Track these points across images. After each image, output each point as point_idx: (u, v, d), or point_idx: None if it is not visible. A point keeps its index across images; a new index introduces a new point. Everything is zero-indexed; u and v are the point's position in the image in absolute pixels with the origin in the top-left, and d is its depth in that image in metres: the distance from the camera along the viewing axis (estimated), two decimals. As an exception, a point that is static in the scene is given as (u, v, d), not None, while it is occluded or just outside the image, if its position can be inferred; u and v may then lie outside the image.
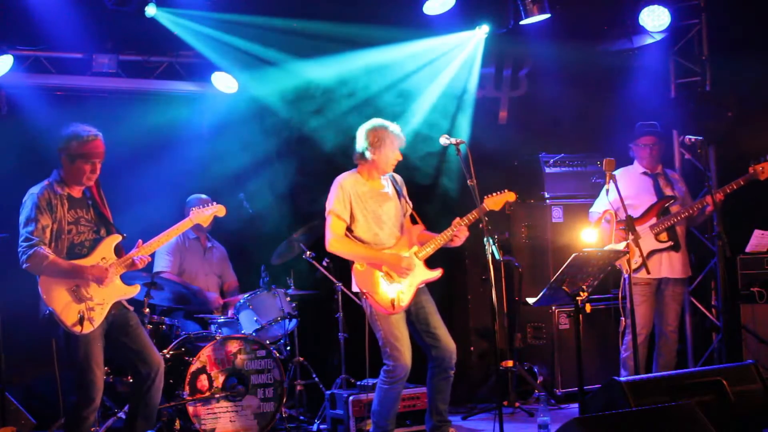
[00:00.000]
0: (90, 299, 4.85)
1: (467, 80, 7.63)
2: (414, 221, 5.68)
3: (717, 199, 6.17)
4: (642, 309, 6.30)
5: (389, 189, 5.62)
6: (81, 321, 4.77)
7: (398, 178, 5.73)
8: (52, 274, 4.80)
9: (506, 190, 5.59)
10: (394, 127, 5.52)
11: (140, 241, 5.07)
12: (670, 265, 6.43)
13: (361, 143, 5.51)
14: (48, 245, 4.83)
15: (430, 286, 5.63)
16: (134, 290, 5.08)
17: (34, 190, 4.94)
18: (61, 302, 4.79)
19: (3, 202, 5.11)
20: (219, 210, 5.48)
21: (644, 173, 6.64)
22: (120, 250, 5.04)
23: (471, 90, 7.66)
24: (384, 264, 5.41)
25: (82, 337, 4.79)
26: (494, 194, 5.56)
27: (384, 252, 5.45)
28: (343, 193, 5.44)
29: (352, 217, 5.45)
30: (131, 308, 5.12)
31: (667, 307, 6.51)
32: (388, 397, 5.42)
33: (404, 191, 5.70)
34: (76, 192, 5.02)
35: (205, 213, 5.37)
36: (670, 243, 6.40)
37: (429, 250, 5.51)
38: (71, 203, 4.97)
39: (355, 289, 5.49)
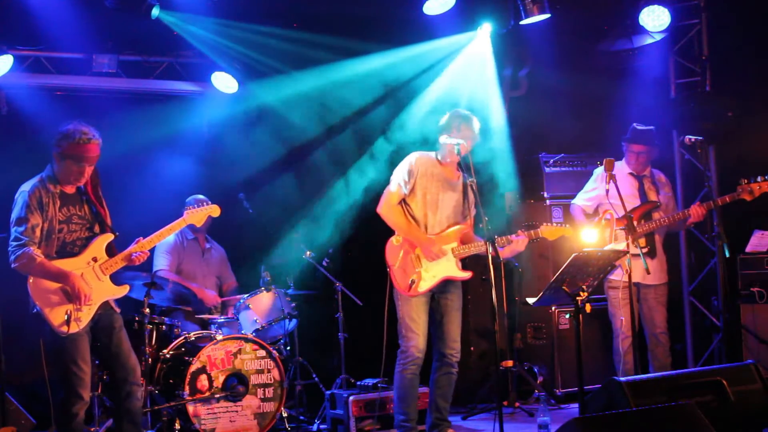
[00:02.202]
0: None
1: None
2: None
3: (701, 213, 6.15)
4: (625, 312, 6.29)
5: (458, 184, 5.67)
6: (68, 321, 4.73)
7: (474, 183, 5.57)
8: (39, 275, 4.77)
9: (567, 225, 5.82)
10: (474, 121, 5.57)
11: (140, 238, 5.05)
12: (642, 272, 6.40)
13: (440, 128, 5.60)
14: (38, 245, 4.79)
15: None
16: (123, 290, 5.03)
17: (26, 187, 4.88)
18: (48, 301, 4.76)
19: (3, 203, 5.09)
20: (213, 210, 5.45)
21: (631, 174, 6.59)
22: (112, 249, 5.00)
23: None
24: (418, 244, 5.48)
25: (69, 335, 4.76)
26: (552, 224, 5.70)
27: (424, 234, 5.52)
28: (413, 167, 5.55)
29: (412, 191, 5.55)
30: (118, 310, 5.06)
31: (653, 311, 6.48)
32: (401, 380, 5.48)
33: (472, 196, 5.62)
34: (70, 188, 4.95)
35: (199, 213, 5.34)
36: (646, 249, 6.37)
37: (467, 250, 5.57)
38: (63, 201, 4.90)
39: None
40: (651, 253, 6.39)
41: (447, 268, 5.55)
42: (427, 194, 5.56)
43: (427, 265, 5.49)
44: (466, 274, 5.62)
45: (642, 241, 6.34)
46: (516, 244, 5.57)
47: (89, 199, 5.01)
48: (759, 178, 6.05)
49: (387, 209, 5.56)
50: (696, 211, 6.18)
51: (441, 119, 5.62)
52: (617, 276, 6.28)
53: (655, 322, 6.48)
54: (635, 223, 6.37)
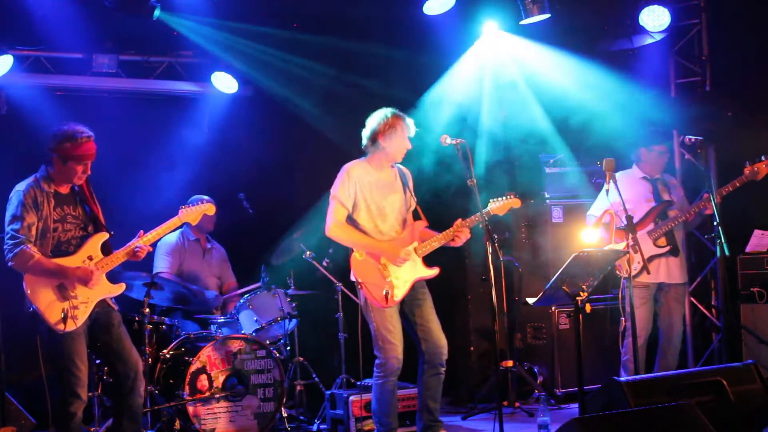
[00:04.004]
0: (74, 297, 4.82)
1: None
2: (417, 217, 5.63)
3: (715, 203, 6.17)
4: (641, 312, 6.28)
5: (396, 181, 5.60)
6: (64, 319, 4.75)
7: (406, 171, 5.69)
8: (37, 273, 4.77)
9: (512, 196, 5.57)
10: (405, 116, 5.50)
11: (141, 231, 5.04)
12: (668, 271, 6.41)
13: (372, 130, 5.47)
14: (33, 243, 4.80)
15: (430, 286, 5.62)
16: (119, 289, 5.04)
17: (20, 187, 4.89)
18: (45, 300, 4.77)
19: (2, 202, 5.10)
20: (207, 208, 5.42)
21: (643, 178, 6.60)
22: (107, 248, 4.99)
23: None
24: (381, 254, 5.40)
25: (66, 334, 4.77)
26: (499, 199, 5.55)
27: (382, 242, 5.45)
28: (349, 181, 5.43)
29: (355, 205, 5.44)
30: (116, 307, 5.07)
31: (672, 310, 6.49)
32: (383, 392, 5.39)
33: (410, 185, 5.66)
34: (64, 188, 4.96)
35: (193, 211, 5.32)
36: (668, 248, 6.38)
37: (428, 247, 5.50)
38: (58, 200, 4.91)
39: (353, 278, 5.47)
40: (674, 251, 6.41)
41: (415, 270, 5.46)
42: (371, 204, 5.45)
43: (395, 273, 5.39)
44: (434, 271, 5.52)
45: (662, 241, 6.36)
46: (459, 237, 5.44)
47: (83, 198, 5.02)
48: (763, 158, 6.10)
49: (336, 229, 5.40)
50: (711, 199, 6.19)
51: (376, 122, 5.43)
52: (641, 277, 6.22)
53: (672, 322, 6.49)
54: (653, 224, 6.39)
